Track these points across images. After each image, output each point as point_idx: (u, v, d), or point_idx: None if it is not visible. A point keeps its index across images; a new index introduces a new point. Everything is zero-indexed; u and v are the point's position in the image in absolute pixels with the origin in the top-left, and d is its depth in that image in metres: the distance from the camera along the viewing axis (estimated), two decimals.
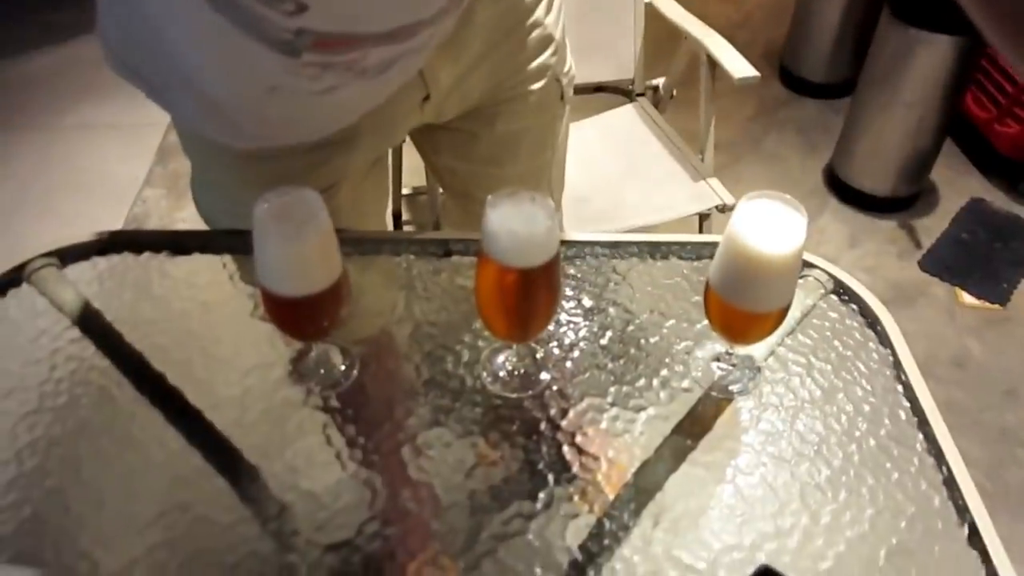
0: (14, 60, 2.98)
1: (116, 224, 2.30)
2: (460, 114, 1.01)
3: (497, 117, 1.03)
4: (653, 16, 1.82)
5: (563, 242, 0.73)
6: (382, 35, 0.70)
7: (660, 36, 1.86)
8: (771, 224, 0.71)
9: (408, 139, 1.09)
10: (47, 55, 3.01)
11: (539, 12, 0.98)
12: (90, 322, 0.85)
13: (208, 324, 0.87)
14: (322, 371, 0.82)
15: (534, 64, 1.00)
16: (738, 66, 1.61)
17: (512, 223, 0.70)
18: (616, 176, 1.80)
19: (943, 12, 2.05)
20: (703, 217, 1.73)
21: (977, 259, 2.26)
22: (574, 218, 1.67)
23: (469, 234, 0.93)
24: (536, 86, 1.02)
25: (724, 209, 1.69)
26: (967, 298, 2.16)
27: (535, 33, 0.98)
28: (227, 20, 0.64)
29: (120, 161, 2.54)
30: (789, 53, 2.87)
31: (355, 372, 0.81)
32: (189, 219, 2.32)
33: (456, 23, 0.84)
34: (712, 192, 1.72)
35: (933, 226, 2.38)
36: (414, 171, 2.04)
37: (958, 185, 2.51)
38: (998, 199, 2.46)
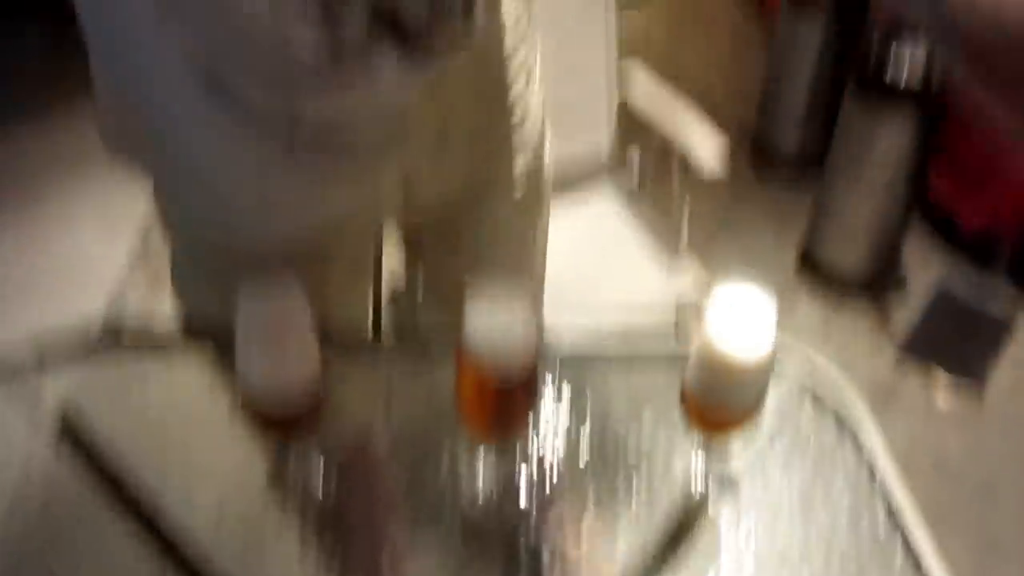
0: None
1: (97, 312, 2.28)
2: (440, 206, 1.00)
3: (477, 213, 1.03)
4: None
5: (541, 344, 0.74)
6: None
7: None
8: (742, 324, 0.72)
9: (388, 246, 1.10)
10: (28, 142, 3.03)
11: (518, 112, 0.98)
12: (65, 427, 0.85)
13: (186, 428, 0.86)
14: (300, 475, 0.81)
15: (515, 164, 1.01)
16: (706, 163, 1.67)
17: (491, 328, 0.71)
18: (589, 262, 1.82)
19: (907, 89, 2.12)
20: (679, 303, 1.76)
21: (952, 344, 2.29)
22: (551, 308, 1.68)
23: (448, 337, 0.93)
24: (516, 183, 1.02)
25: (700, 297, 1.72)
26: (943, 385, 2.18)
27: (515, 136, 0.99)
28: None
29: (100, 250, 2.54)
30: (758, 133, 2.94)
31: (334, 476, 0.81)
32: (171, 310, 2.31)
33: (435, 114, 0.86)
34: (687, 278, 1.75)
35: (905, 307, 2.41)
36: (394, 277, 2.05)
37: (928, 266, 2.56)
38: (968, 280, 2.50)
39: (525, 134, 1.01)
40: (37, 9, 3.28)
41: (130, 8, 0.67)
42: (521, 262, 1.12)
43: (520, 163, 1.02)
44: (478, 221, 1.03)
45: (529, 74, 1.00)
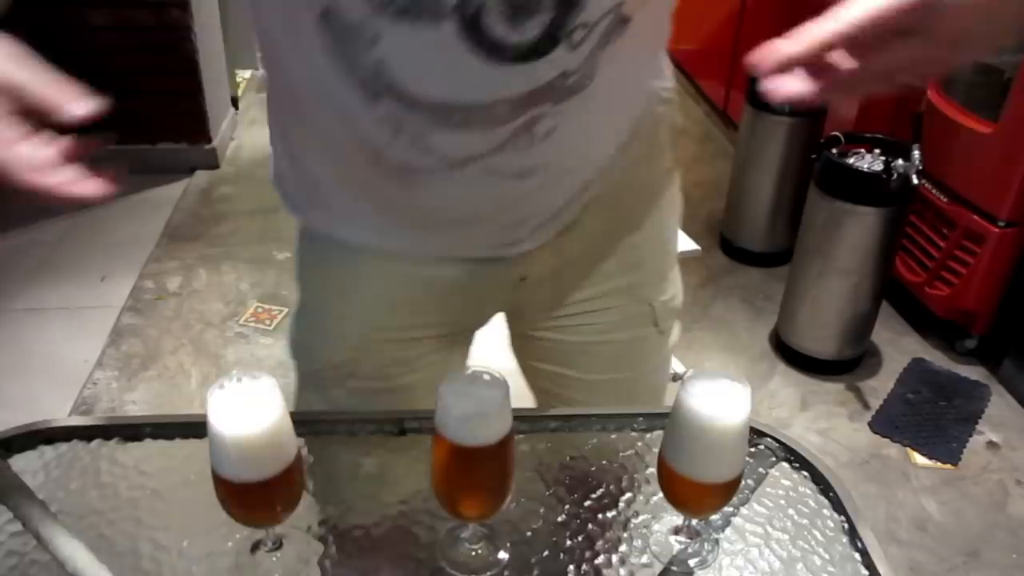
0: None
1: (65, 408, 2.25)
2: (548, 312, 1.02)
3: (577, 323, 1.03)
4: None
5: (516, 418, 0.74)
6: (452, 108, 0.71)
7: None
8: (717, 397, 0.73)
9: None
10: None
11: (642, 236, 1.01)
12: (33, 514, 0.83)
13: (157, 512, 0.84)
14: (275, 559, 0.80)
15: (621, 281, 1.01)
16: (681, 241, 1.69)
17: (464, 402, 0.71)
18: None
19: (866, 185, 2.20)
20: None
21: (925, 418, 2.31)
22: (525, 390, 1.68)
23: (424, 412, 0.93)
24: (618, 303, 1.02)
25: (676, 378, 1.72)
26: (920, 458, 2.18)
27: (630, 254, 1.00)
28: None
29: (70, 344, 2.52)
30: (728, 225, 3.02)
31: (310, 558, 0.79)
32: (140, 401, 2.29)
33: (564, 223, 0.91)
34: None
35: (879, 387, 2.44)
36: None
37: (899, 346, 2.60)
38: (937, 358, 2.55)
39: (639, 259, 1.02)
40: None
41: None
42: (621, 380, 1.09)
43: (625, 280, 1.02)
44: (575, 326, 1.04)
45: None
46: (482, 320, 1.05)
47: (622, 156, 0.90)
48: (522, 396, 1.34)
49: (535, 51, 0.67)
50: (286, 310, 2.69)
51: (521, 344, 1.11)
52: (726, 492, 0.77)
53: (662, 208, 1.03)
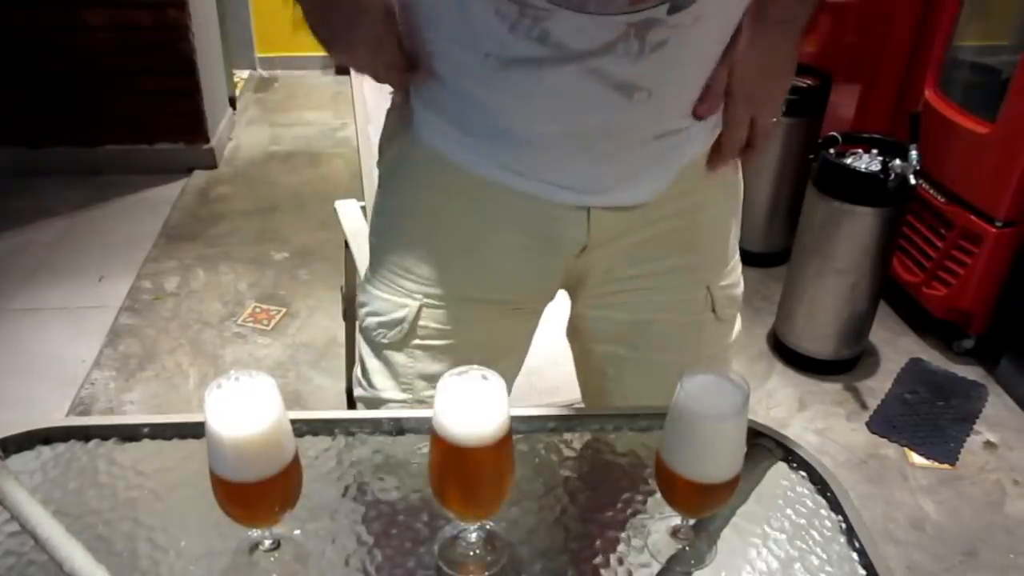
0: None
1: (62, 408, 2.25)
2: (605, 286, 1.03)
3: (633, 300, 1.04)
4: None
5: (514, 418, 0.74)
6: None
7: None
8: (714, 396, 0.73)
9: None
10: None
11: (705, 218, 1.03)
12: (30, 515, 0.82)
13: (155, 513, 0.84)
14: (273, 559, 0.80)
15: (679, 261, 1.03)
16: None
17: (462, 401, 0.71)
18: (567, 348, 1.83)
19: (864, 185, 2.20)
20: None
21: (923, 418, 2.31)
22: (526, 390, 1.68)
23: (422, 412, 0.93)
24: (674, 283, 1.04)
25: None
26: (917, 458, 2.19)
27: (690, 235, 1.02)
28: None
29: (68, 344, 2.52)
30: None
31: (308, 559, 0.79)
32: (138, 401, 2.29)
33: (644, 194, 0.95)
34: None
35: (877, 387, 2.44)
36: None
37: (896, 346, 2.61)
38: (935, 358, 2.55)
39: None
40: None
41: None
42: (674, 363, 1.04)
43: (682, 260, 1.04)
44: (629, 303, 1.06)
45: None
46: (544, 292, 1.06)
47: (710, 132, 0.95)
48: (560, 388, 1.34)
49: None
50: (284, 310, 2.69)
51: (577, 326, 1.12)
52: (724, 492, 0.77)
53: (727, 194, 1.06)
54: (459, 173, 0.94)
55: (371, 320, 1.05)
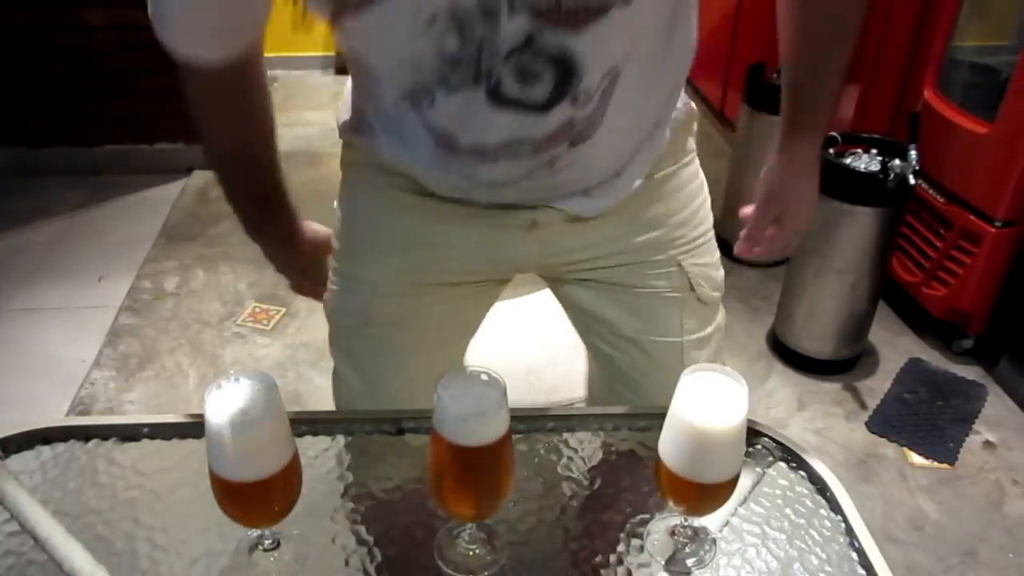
0: None
1: (62, 408, 2.25)
2: (574, 264, 1.06)
3: (610, 277, 1.06)
4: None
5: (514, 418, 0.74)
6: None
7: None
8: (714, 396, 0.73)
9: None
10: None
11: (663, 207, 1.05)
12: (30, 515, 0.83)
13: (155, 512, 0.84)
14: (272, 559, 0.80)
15: (641, 238, 1.04)
16: None
17: (462, 401, 0.71)
18: (566, 347, 1.83)
19: (863, 185, 2.20)
20: None
21: (922, 418, 2.31)
22: (526, 390, 1.69)
23: (421, 412, 0.93)
24: (644, 258, 1.05)
25: None
26: (917, 458, 2.19)
27: (648, 218, 1.04)
28: None
29: (68, 344, 2.52)
30: (725, 225, 3.01)
31: (308, 558, 0.79)
32: (138, 401, 2.29)
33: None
34: None
35: (876, 387, 2.44)
36: None
37: (896, 346, 2.60)
38: (934, 358, 2.55)
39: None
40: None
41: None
42: (659, 343, 1.09)
43: (649, 236, 1.06)
44: (609, 283, 1.08)
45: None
46: (503, 269, 1.08)
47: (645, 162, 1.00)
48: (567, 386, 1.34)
49: (544, 105, 0.83)
50: (284, 310, 2.69)
51: (563, 298, 1.13)
52: (723, 492, 0.77)
53: (686, 189, 1.08)
54: (405, 179, 0.99)
55: (330, 310, 1.11)
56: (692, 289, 1.08)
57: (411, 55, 0.80)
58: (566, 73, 0.80)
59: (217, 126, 0.97)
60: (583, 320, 1.12)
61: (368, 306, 1.05)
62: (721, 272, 1.14)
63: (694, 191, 1.09)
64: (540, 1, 0.74)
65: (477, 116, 0.83)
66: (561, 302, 1.15)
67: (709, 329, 1.12)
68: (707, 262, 1.11)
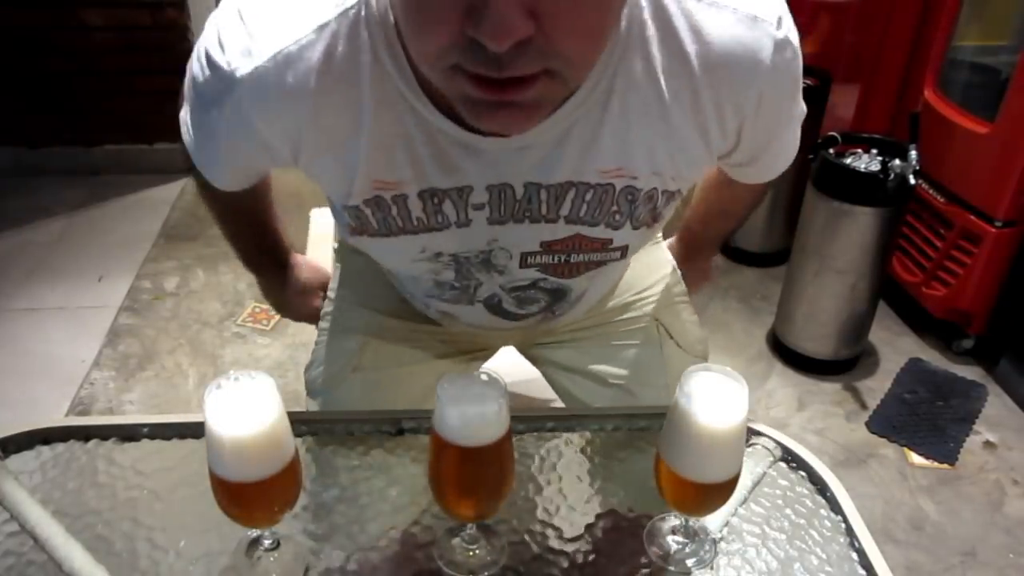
0: None
1: (62, 408, 2.24)
2: (561, 336, 1.14)
3: (588, 338, 1.13)
4: None
5: (514, 418, 0.74)
6: None
7: None
8: (714, 397, 0.73)
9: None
10: None
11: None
12: (30, 515, 0.82)
13: (155, 513, 0.84)
14: (272, 559, 0.80)
15: (618, 301, 1.13)
16: None
17: (462, 402, 0.71)
18: None
19: (863, 185, 2.20)
20: None
21: (922, 418, 2.31)
22: (525, 390, 1.68)
23: (421, 412, 0.93)
24: (620, 316, 1.13)
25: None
26: (917, 458, 2.19)
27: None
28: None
29: (67, 344, 2.52)
30: None
31: (308, 559, 0.79)
32: (137, 401, 2.29)
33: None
34: None
35: (876, 387, 2.44)
36: None
37: (896, 346, 2.60)
38: (934, 358, 2.55)
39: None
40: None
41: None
42: (641, 384, 1.14)
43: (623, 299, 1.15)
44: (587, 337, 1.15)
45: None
46: (485, 347, 1.17)
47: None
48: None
49: (538, 316, 0.99)
50: None
51: (538, 359, 1.19)
52: (724, 492, 0.77)
53: (654, 257, 1.18)
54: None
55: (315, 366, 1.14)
56: (671, 337, 1.14)
57: (409, 271, 0.93)
58: (557, 298, 0.95)
59: (224, 216, 1.10)
60: (563, 376, 1.16)
61: (360, 352, 1.10)
62: (702, 332, 1.20)
63: (662, 261, 1.18)
64: (550, 261, 0.87)
65: (472, 310, 0.97)
66: (534, 362, 1.20)
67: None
68: (686, 319, 1.17)
